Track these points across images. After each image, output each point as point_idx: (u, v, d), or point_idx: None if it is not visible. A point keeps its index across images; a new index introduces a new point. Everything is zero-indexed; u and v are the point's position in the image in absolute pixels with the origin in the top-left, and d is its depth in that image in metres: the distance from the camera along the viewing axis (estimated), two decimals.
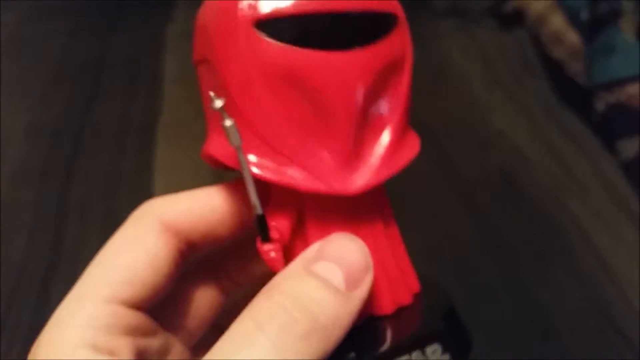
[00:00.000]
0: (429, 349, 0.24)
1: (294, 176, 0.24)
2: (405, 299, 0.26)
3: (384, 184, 0.25)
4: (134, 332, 0.25)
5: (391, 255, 0.26)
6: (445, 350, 0.24)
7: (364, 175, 0.24)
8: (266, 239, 0.24)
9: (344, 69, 0.23)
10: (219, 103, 0.23)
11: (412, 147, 0.25)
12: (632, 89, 0.63)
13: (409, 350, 0.23)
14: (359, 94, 0.23)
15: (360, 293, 0.23)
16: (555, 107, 0.70)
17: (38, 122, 0.71)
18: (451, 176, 0.63)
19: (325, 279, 0.23)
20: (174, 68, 0.80)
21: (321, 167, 0.23)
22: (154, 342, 0.26)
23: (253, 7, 0.23)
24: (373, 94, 0.23)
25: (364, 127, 0.24)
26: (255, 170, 0.24)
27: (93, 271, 0.25)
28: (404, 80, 0.24)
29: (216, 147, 0.24)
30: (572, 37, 0.68)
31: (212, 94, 0.23)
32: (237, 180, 0.25)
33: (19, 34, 0.84)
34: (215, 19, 0.24)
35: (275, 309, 0.22)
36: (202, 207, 0.26)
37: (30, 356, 0.23)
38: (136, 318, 0.25)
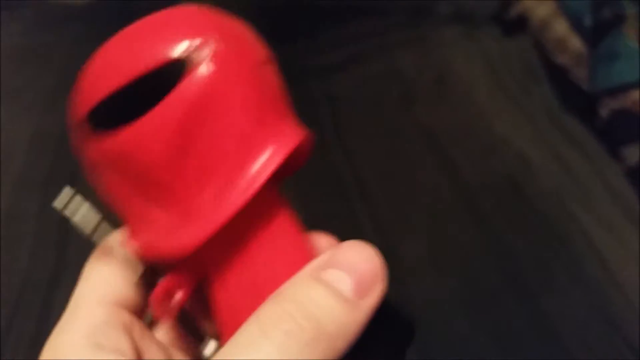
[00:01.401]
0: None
1: (139, 245, 0.24)
2: None
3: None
4: (130, 331, 0.26)
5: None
6: None
7: (201, 227, 0.23)
8: (154, 292, 0.25)
9: (145, 134, 0.23)
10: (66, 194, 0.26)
11: (267, 164, 0.24)
12: (636, 95, 0.62)
13: None
14: (159, 155, 0.23)
15: (370, 302, 0.23)
16: (559, 113, 0.70)
17: (42, 132, 0.71)
18: (455, 182, 0.63)
19: (334, 286, 0.23)
20: None
21: (168, 228, 0.24)
22: (151, 345, 0.26)
23: (77, 105, 0.24)
24: (181, 148, 0.23)
25: (190, 179, 0.23)
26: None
27: (86, 280, 0.27)
28: (226, 110, 0.23)
29: (135, 242, 0.25)
30: (576, 43, 0.68)
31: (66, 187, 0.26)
32: None
33: (23, 43, 0.84)
34: None
35: (280, 314, 0.22)
36: None
37: None
38: (128, 317, 0.26)
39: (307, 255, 0.26)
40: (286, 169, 0.25)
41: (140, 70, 0.23)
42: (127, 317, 0.26)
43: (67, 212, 0.25)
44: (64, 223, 0.61)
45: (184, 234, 0.23)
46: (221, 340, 0.26)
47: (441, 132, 0.68)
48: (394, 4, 0.86)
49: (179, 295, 0.25)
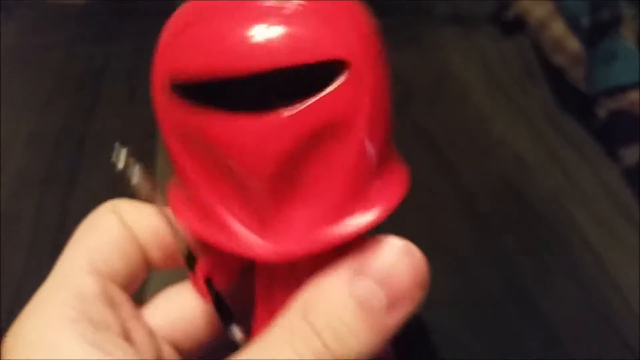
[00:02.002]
0: None
1: (207, 231, 0.22)
2: None
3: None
4: (118, 306, 0.24)
5: None
6: None
7: (286, 244, 0.21)
8: (192, 268, 0.24)
9: (255, 135, 0.20)
10: (121, 151, 0.23)
11: (372, 214, 0.22)
12: (634, 96, 0.62)
13: None
14: (273, 162, 0.20)
15: (401, 313, 0.22)
16: (556, 114, 0.70)
17: (39, 132, 0.71)
18: (452, 183, 0.63)
19: (366, 304, 0.21)
20: None
21: (241, 229, 0.22)
22: (138, 328, 0.25)
23: (170, 62, 0.21)
24: (299, 159, 0.20)
25: (293, 190, 0.21)
26: (173, 208, 0.23)
27: (71, 250, 0.25)
28: (353, 141, 0.21)
29: (173, 200, 0.24)
30: (573, 43, 0.68)
31: (117, 144, 0.23)
32: None
33: (19, 44, 0.84)
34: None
35: (310, 333, 0.21)
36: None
37: (9, 337, 0.22)
38: (117, 292, 0.24)
39: None
40: None
41: (288, 61, 0.19)
42: (118, 293, 0.24)
43: (127, 173, 0.23)
44: (61, 224, 0.61)
45: (258, 243, 0.21)
46: (252, 329, 0.25)
47: (438, 132, 0.68)
48: (390, 4, 0.86)
49: (220, 279, 0.24)
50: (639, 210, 0.58)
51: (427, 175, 0.63)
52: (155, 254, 0.26)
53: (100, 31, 0.85)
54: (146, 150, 0.67)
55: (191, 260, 0.24)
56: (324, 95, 0.20)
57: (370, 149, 0.21)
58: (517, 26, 0.79)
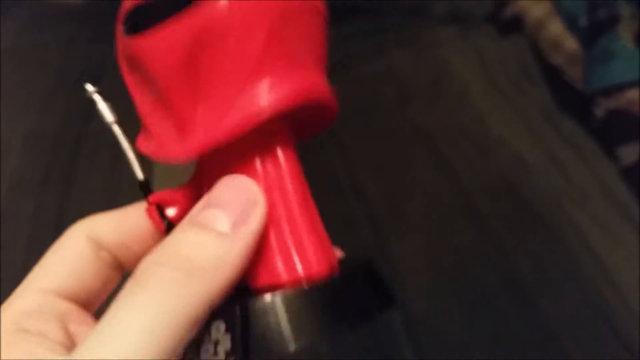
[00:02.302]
0: (215, 323, 0.23)
1: (149, 147, 0.26)
2: (279, 276, 0.25)
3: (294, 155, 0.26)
4: (64, 318, 0.26)
5: (282, 223, 0.26)
6: (227, 330, 0.23)
7: (197, 138, 0.24)
8: (147, 201, 0.27)
9: (156, 46, 0.24)
10: (90, 87, 0.28)
11: (261, 106, 0.24)
12: (632, 95, 0.63)
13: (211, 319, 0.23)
14: (171, 66, 0.24)
15: (249, 228, 0.23)
16: (554, 113, 0.70)
17: (37, 131, 0.71)
18: (451, 182, 0.63)
19: (207, 225, 0.23)
20: None
21: (165, 137, 0.25)
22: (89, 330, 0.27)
23: (123, 7, 0.27)
24: (193, 61, 0.24)
25: (192, 96, 0.25)
26: (137, 144, 0.27)
27: (34, 270, 0.28)
28: (228, 41, 0.24)
29: (140, 143, 0.28)
30: (571, 43, 0.68)
31: (87, 85, 0.28)
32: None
33: (18, 42, 0.84)
34: None
35: (152, 264, 0.22)
36: (129, 224, 0.28)
37: None
38: (66, 306, 0.27)
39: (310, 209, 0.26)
40: (304, 127, 0.27)
41: None
42: (64, 305, 0.27)
43: (95, 97, 0.28)
44: (59, 223, 0.61)
45: (175, 146, 0.25)
46: None
47: (436, 132, 0.68)
48: (389, 4, 0.86)
49: (172, 211, 0.27)
50: (638, 209, 0.59)
51: (425, 173, 0.63)
52: (126, 259, 0.29)
53: (99, 31, 0.85)
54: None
55: (145, 188, 0.27)
56: (195, 6, 0.24)
57: (246, 48, 0.24)
58: (515, 26, 0.79)
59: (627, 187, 0.61)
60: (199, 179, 0.27)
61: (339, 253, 0.29)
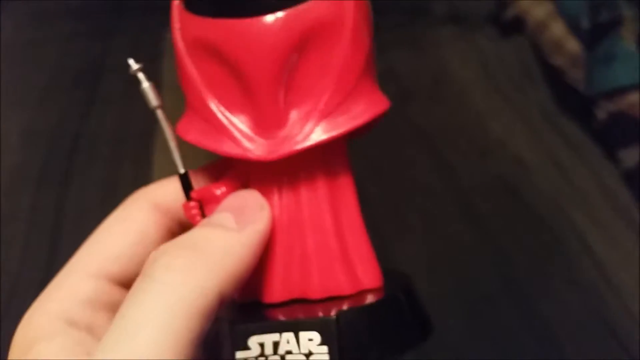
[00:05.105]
0: (303, 335, 0.23)
1: (215, 141, 0.24)
2: (341, 287, 0.25)
3: (348, 163, 0.26)
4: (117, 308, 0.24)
5: (332, 234, 0.25)
6: (324, 342, 0.23)
7: (286, 143, 0.24)
8: (187, 197, 0.26)
9: (255, 36, 0.23)
10: (134, 66, 0.25)
11: (362, 113, 0.24)
12: (633, 98, 0.62)
13: (279, 330, 0.23)
14: (273, 61, 0.23)
15: (256, 227, 0.24)
16: (555, 115, 0.70)
17: (35, 129, 0.71)
18: (451, 184, 0.62)
19: (217, 224, 0.23)
20: (172, 74, 0.79)
21: (241, 134, 0.24)
22: None
23: None
24: (294, 60, 0.23)
25: (289, 92, 0.23)
26: (180, 133, 0.25)
27: (84, 249, 0.26)
28: (342, 45, 0.23)
29: (184, 130, 0.26)
30: (573, 44, 0.68)
31: (130, 60, 0.25)
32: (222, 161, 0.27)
33: (16, 39, 0.84)
34: None
35: (159, 253, 0.22)
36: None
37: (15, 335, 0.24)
38: (122, 295, 0.24)
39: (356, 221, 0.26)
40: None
41: None
42: (118, 294, 0.25)
43: (139, 76, 0.26)
44: (57, 221, 0.61)
45: (278, 142, 0.24)
46: None
47: (436, 133, 0.68)
48: (389, 4, 0.86)
49: (210, 208, 0.26)
50: (638, 212, 0.58)
51: (426, 175, 0.63)
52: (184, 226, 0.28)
53: (98, 27, 0.85)
54: (142, 149, 0.67)
55: (186, 183, 0.26)
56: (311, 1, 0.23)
57: (356, 52, 0.24)
58: (516, 27, 0.79)
59: (627, 190, 0.61)
60: (236, 175, 0.26)
61: None
